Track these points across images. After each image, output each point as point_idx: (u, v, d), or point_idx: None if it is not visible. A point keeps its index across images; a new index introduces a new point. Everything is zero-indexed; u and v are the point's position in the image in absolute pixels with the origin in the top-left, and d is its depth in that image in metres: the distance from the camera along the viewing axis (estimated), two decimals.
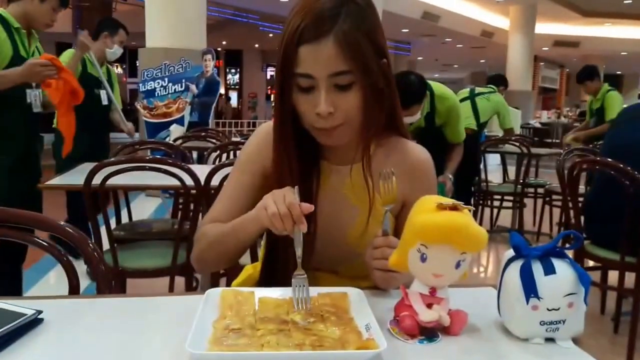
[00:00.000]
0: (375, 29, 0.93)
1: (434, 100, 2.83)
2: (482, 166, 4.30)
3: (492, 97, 4.29)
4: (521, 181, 4.30)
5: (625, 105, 3.73)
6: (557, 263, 0.74)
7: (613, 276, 2.39)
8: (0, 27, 2.25)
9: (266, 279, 1.06)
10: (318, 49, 0.87)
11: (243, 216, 0.94)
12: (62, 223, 0.96)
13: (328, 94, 0.89)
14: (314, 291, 0.85)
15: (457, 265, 0.76)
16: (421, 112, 2.69)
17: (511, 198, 4.42)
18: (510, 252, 0.79)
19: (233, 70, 21.55)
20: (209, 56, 5.55)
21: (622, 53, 18.15)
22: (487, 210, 4.60)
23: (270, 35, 14.12)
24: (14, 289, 2.39)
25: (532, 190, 4.75)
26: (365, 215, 0.99)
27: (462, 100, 4.36)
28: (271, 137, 1.00)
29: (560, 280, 0.73)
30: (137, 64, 5.80)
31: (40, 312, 0.77)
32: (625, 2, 12.80)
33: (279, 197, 0.84)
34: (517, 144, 4.29)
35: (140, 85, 5.59)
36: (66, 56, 2.97)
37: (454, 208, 0.74)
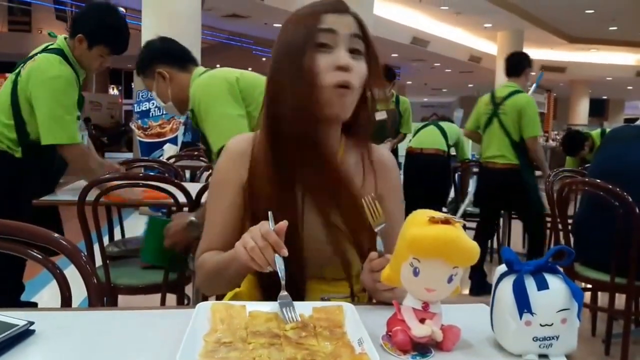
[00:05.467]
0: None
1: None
2: (470, 188, 4.35)
3: (452, 125, 4.53)
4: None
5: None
6: (549, 278, 0.75)
7: (603, 298, 2.39)
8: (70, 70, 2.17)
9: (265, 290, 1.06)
10: (341, 16, 0.99)
11: (226, 255, 0.96)
12: (56, 235, 0.96)
13: (347, 53, 0.98)
14: (309, 306, 0.85)
15: (450, 280, 0.76)
16: None
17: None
18: (502, 268, 0.80)
19: None
20: None
21: (608, 78, 18.52)
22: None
23: (264, 59, 14.29)
24: (13, 301, 2.35)
25: None
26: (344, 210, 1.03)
27: (424, 126, 4.53)
28: (242, 149, 1.05)
29: (553, 296, 0.74)
30: (132, 86, 5.87)
31: (32, 323, 0.77)
32: (610, 28, 13.12)
33: (255, 231, 0.86)
34: None
35: (135, 106, 5.67)
36: None
37: (446, 222, 0.74)
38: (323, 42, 0.97)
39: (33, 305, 2.49)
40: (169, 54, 1.87)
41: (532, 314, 0.73)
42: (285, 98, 0.98)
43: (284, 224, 0.86)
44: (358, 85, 0.99)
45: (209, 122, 1.67)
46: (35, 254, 0.97)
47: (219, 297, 1.15)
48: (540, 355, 0.75)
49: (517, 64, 3.52)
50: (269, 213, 0.91)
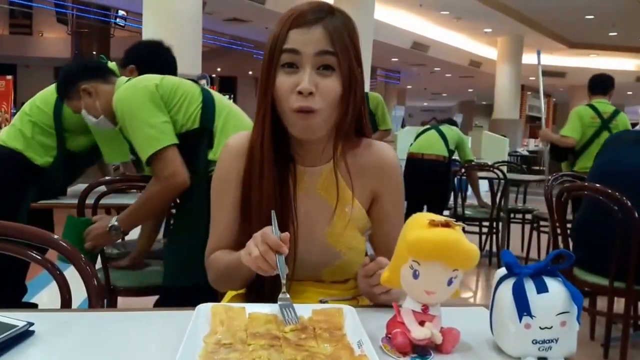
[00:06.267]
0: (357, 38, 1.01)
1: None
2: (469, 192, 4.37)
3: (453, 128, 4.49)
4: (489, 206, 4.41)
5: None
6: (549, 281, 0.75)
7: (602, 302, 2.39)
8: None
9: (250, 296, 1.07)
10: (308, 32, 0.95)
11: (235, 258, 0.96)
12: (56, 237, 0.96)
13: (311, 75, 0.94)
14: (308, 308, 0.85)
15: (449, 282, 0.76)
16: None
17: (494, 224, 4.48)
18: (502, 271, 0.80)
19: (227, 97, 21.70)
20: (203, 81, 5.62)
21: None
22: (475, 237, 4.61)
23: None
24: (15, 301, 2.35)
25: (519, 216, 4.81)
26: (340, 211, 1.04)
27: (425, 130, 4.49)
28: (240, 146, 1.05)
29: (552, 299, 0.74)
30: None
31: (31, 324, 0.77)
32: (610, 34, 13.16)
33: (257, 237, 0.87)
34: (498, 171, 4.40)
35: None
36: None
37: (445, 225, 0.75)
38: (288, 62, 0.95)
39: (33, 306, 2.49)
40: (88, 70, 1.90)
41: (531, 316, 0.73)
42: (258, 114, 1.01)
43: (285, 236, 0.86)
44: (325, 105, 0.95)
45: (134, 132, 1.70)
46: (35, 255, 0.97)
47: (221, 295, 1.15)
48: (540, 358, 0.75)
49: (604, 84, 4.06)
50: (272, 212, 0.92)
